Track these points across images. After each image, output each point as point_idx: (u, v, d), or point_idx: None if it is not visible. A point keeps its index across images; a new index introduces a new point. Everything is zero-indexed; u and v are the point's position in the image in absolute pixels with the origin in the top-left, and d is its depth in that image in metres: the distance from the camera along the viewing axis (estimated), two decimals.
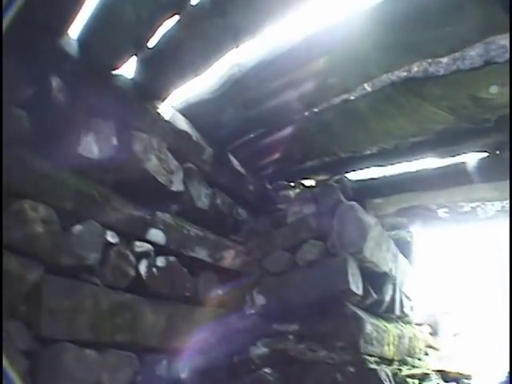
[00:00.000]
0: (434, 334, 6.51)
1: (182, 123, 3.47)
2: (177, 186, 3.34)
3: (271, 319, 3.70)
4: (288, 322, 3.61)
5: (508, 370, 2.74)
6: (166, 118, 3.31)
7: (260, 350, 3.65)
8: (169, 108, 3.38)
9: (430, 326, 6.40)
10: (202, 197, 3.68)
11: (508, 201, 4.46)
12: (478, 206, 4.71)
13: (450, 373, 4.45)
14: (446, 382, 4.18)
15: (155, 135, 3.22)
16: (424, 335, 5.66)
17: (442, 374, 4.39)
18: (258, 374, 3.60)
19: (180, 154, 3.45)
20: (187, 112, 3.49)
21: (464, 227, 5.19)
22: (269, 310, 3.72)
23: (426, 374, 4.14)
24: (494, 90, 3.03)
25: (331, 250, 3.62)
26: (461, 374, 4.48)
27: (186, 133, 3.47)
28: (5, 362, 1.67)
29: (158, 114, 3.24)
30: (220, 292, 3.80)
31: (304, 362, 3.43)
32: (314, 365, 3.38)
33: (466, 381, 4.35)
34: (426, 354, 5.50)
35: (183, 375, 3.42)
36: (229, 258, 3.87)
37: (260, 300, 3.80)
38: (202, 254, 3.61)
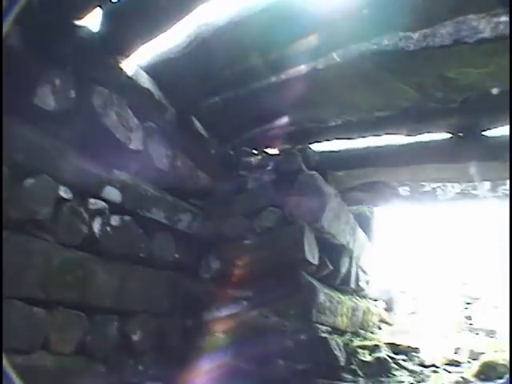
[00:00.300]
0: (388, 309, 6.73)
1: (145, 81, 3.40)
2: (136, 144, 3.30)
3: (226, 284, 3.73)
4: (242, 288, 3.66)
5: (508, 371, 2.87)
6: (129, 74, 3.24)
7: (213, 314, 3.69)
8: (132, 65, 3.30)
9: (385, 301, 6.60)
10: (162, 158, 3.65)
11: (468, 183, 4.61)
12: (438, 186, 4.84)
13: (399, 346, 4.62)
14: (395, 353, 4.33)
15: (116, 91, 3.15)
16: (378, 310, 5.84)
17: (392, 346, 4.55)
18: (211, 339, 3.65)
19: (141, 113, 3.40)
20: (151, 70, 3.42)
21: (424, 207, 5.33)
22: (224, 276, 3.75)
23: (377, 345, 4.28)
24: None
25: (289, 219, 3.67)
26: (410, 347, 4.66)
27: (149, 91, 3.41)
28: (5, 362, 1.64)
29: (121, 69, 3.16)
30: (176, 255, 3.80)
31: (257, 328, 3.49)
32: (267, 331, 3.45)
33: (414, 354, 4.52)
34: (380, 328, 5.69)
35: (135, 337, 3.44)
36: (186, 221, 3.87)
37: (215, 265, 3.83)
38: (159, 215, 3.60)
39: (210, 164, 4.16)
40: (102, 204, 3.12)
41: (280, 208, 3.74)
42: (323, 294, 3.61)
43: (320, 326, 3.55)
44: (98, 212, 3.10)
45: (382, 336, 5.13)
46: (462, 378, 3.70)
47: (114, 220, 3.23)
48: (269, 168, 4.00)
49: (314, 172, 3.80)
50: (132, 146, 3.26)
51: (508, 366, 3.84)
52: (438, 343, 7.47)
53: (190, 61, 3.27)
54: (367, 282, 5.22)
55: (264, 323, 3.49)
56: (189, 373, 3.53)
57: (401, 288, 9.48)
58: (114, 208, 3.22)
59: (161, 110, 3.58)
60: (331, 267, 3.95)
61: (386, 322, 6.17)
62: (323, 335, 3.46)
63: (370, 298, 5.53)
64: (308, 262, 3.53)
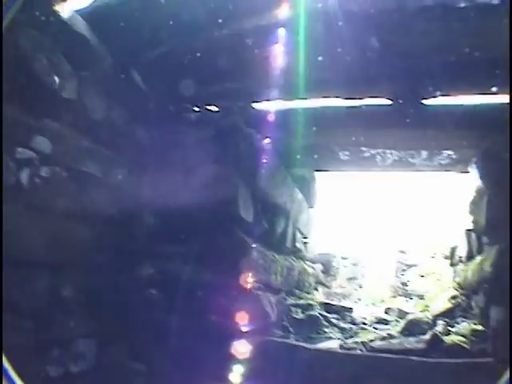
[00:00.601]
0: (326, 272, 6.97)
1: (82, 27, 3.27)
2: (69, 93, 3.20)
3: (159, 240, 3.74)
4: (176, 243, 3.68)
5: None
6: (64, 18, 3.10)
7: (147, 270, 3.71)
8: (68, 9, 3.16)
9: (322, 264, 6.82)
10: (98, 109, 3.56)
11: (406, 151, 4.76)
12: (377, 153, 4.97)
13: (333, 305, 4.83)
14: (328, 312, 4.52)
15: (48, 35, 3.02)
16: (315, 272, 6.04)
17: (326, 306, 4.75)
18: (145, 295, 3.68)
19: (76, 60, 3.28)
20: (89, 16, 3.29)
21: (364, 173, 5.49)
22: (158, 232, 3.76)
23: (310, 304, 4.47)
24: None
25: (225, 176, 3.69)
26: (343, 307, 4.88)
27: (85, 38, 3.29)
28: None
29: (55, 12, 3.02)
30: (109, 210, 3.76)
31: (189, 283, 3.54)
32: (200, 287, 3.51)
33: (347, 313, 4.73)
34: (316, 290, 5.90)
35: (65, 292, 3.41)
36: (121, 175, 3.82)
37: (150, 220, 3.82)
38: (92, 168, 3.53)
39: (148, 118, 4.10)
40: (31, 154, 3.02)
41: (217, 165, 3.76)
42: (256, 252, 3.70)
43: (252, 283, 3.64)
44: (27, 162, 3.00)
45: (318, 296, 5.34)
46: (388, 334, 3.92)
47: (44, 171, 3.13)
48: (207, 125, 3.98)
49: (252, 130, 3.82)
50: (65, 95, 3.16)
51: (431, 322, 4.11)
52: (371, 305, 7.84)
53: (128, 9, 3.18)
54: (304, 244, 5.37)
55: (197, 279, 3.55)
56: (121, 327, 3.56)
57: (340, 252, 9.81)
58: (44, 159, 3.12)
59: (98, 59, 3.47)
60: (266, 226, 4.03)
61: (323, 284, 6.39)
62: (255, 291, 3.55)
63: (307, 260, 5.69)
64: (242, 219, 3.59)
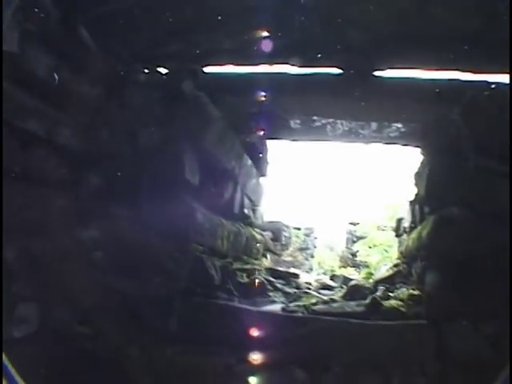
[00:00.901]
0: (275, 240, 7.07)
1: None
2: (10, 45, 3.05)
3: (105, 201, 3.69)
4: (122, 205, 3.65)
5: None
6: None
7: (92, 232, 3.67)
8: None
9: (272, 232, 6.91)
10: (43, 66, 3.41)
11: (356, 122, 4.83)
12: (328, 123, 5.02)
13: (279, 271, 4.93)
14: (274, 278, 4.61)
15: None
16: (264, 239, 6.12)
17: (273, 271, 4.84)
18: (90, 257, 3.64)
19: (18, 10, 3.12)
20: None
21: (315, 142, 5.55)
22: (104, 193, 3.71)
23: (256, 269, 4.54)
24: None
25: (172, 138, 3.67)
26: (289, 273, 4.99)
27: None
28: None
29: None
30: (54, 171, 3.67)
31: (134, 245, 3.54)
32: (144, 248, 3.51)
33: (293, 279, 4.84)
34: (265, 257, 6.00)
35: (9, 257, 3.33)
36: (67, 135, 3.72)
37: (96, 181, 3.76)
38: (36, 127, 3.41)
39: (96, 78, 3.98)
40: None
41: (164, 126, 3.72)
42: (202, 215, 3.72)
43: (197, 247, 3.67)
44: None
45: (265, 263, 5.44)
46: (331, 298, 4.05)
47: None
48: (156, 86, 3.91)
49: (200, 93, 3.80)
50: (5, 47, 3.01)
51: (372, 288, 4.27)
52: (322, 274, 8.06)
53: None
54: (254, 211, 5.43)
55: (143, 241, 3.54)
56: (66, 291, 3.53)
57: (291, 222, 9.98)
58: None
59: (42, 12, 3.31)
60: (213, 190, 4.05)
61: (272, 252, 6.50)
62: (198, 254, 3.58)
63: (256, 227, 5.76)
64: (188, 182, 3.59)
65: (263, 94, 4.18)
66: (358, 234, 11.09)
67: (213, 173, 4.00)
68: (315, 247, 16.11)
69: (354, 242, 11.13)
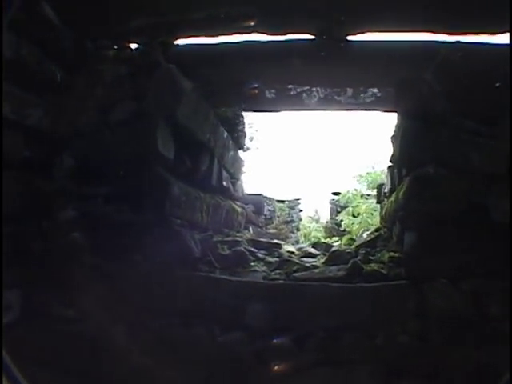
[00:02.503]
0: (257, 212, 7.10)
1: None
2: None
3: (81, 182, 3.68)
4: (98, 184, 3.63)
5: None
6: None
7: (69, 213, 3.65)
8: None
9: (254, 205, 6.93)
10: (4, 44, 3.34)
11: (332, 89, 4.82)
12: (303, 91, 4.99)
13: (261, 242, 4.95)
14: (256, 248, 4.63)
15: None
16: (246, 211, 6.14)
17: (254, 242, 4.86)
18: (68, 239, 3.63)
19: None
20: None
21: (291, 112, 5.53)
22: (78, 172, 3.68)
23: (237, 241, 4.56)
24: None
25: (145, 112, 3.64)
26: (271, 243, 5.01)
27: None
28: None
29: None
30: (26, 153, 3.63)
31: (113, 224, 3.53)
32: (122, 226, 3.51)
33: (275, 249, 4.86)
34: (247, 229, 6.03)
35: None
36: (37, 116, 3.67)
37: (69, 162, 3.73)
38: (3, 109, 3.35)
39: (62, 55, 3.91)
40: None
41: (136, 101, 3.69)
42: (178, 188, 3.71)
43: (175, 220, 3.68)
44: None
45: (247, 235, 5.45)
46: (313, 265, 4.09)
47: None
48: (127, 61, 3.86)
49: (171, 66, 3.76)
50: None
51: (353, 253, 4.32)
52: (301, 242, 8.12)
53: None
54: (233, 184, 5.43)
55: (120, 219, 3.54)
56: (48, 274, 3.52)
57: (274, 194, 10.00)
58: None
59: None
60: (189, 163, 4.04)
61: (254, 224, 6.53)
62: (178, 229, 3.59)
63: (237, 200, 5.77)
64: (162, 156, 3.57)
65: (236, 64, 4.15)
66: (341, 203, 11.16)
67: (188, 146, 3.98)
68: (300, 220, 16.23)
69: (339, 212, 11.19)
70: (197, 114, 4.03)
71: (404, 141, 3.87)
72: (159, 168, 3.61)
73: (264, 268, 4.04)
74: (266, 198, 8.52)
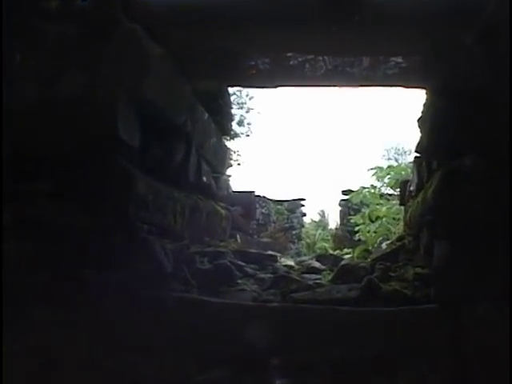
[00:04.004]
0: (247, 216, 7.07)
1: None
2: None
3: (17, 176, 3.61)
4: (40, 178, 3.57)
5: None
6: None
7: (4, 215, 3.59)
8: None
9: (243, 207, 6.91)
10: None
11: (343, 58, 4.78)
12: (306, 60, 4.94)
13: (252, 253, 4.93)
14: (245, 262, 4.61)
15: None
16: (233, 215, 6.11)
17: (243, 254, 4.84)
18: (7, 246, 3.57)
19: None
20: None
21: (289, 87, 5.50)
22: (12, 166, 3.61)
23: (221, 252, 4.54)
24: None
25: (99, 85, 3.58)
26: (264, 254, 5.00)
27: None
28: None
29: None
30: None
31: (57, 230, 3.49)
32: (70, 233, 3.46)
33: (269, 262, 4.85)
34: (233, 238, 6.01)
35: None
36: None
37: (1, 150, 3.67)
38: None
39: None
40: None
41: (89, 71, 3.62)
42: (144, 185, 3.65)
43: (140, 225, 3.64)
44: None
45: (234, 245, 5.43)
46: (316, 283, 4.07)
47: None
48: (76, 18, 3.80)
49: (136, 25, 3.70)
50: None
51: (369, 268, 4.30)
52: (303, 254, 8.10)
53: None
54: (216, 179, 5.40)
55: (67, 223, 3.49)
56: None
57: (269, 193, 9.98)
58: None
59: None
60: (159, 152, 4.00)
61: (242, 231, 6.51)
62: (144, 236, 3.55)
63: (221, 200, 5.75)
64: (124, 142, 3.52)
65: (220, 24, 4.10)
66: (354, 205, 11.18)
67: (158, 130, 3.93)
68: (302, 226, 16.22)
69: (351, 215, 11.23)
70: (169, 89, 3.98)
71: (434, 125, 3.86)
72: (120, 158, 3.55)
73: (254, 287, 4.02)
74: (259, 197, 8.51)
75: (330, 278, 4.28)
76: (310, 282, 4.07)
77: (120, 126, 3.48)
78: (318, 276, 4.50)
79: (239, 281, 4.11)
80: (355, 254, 6.22)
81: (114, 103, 3.50)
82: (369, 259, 4.80)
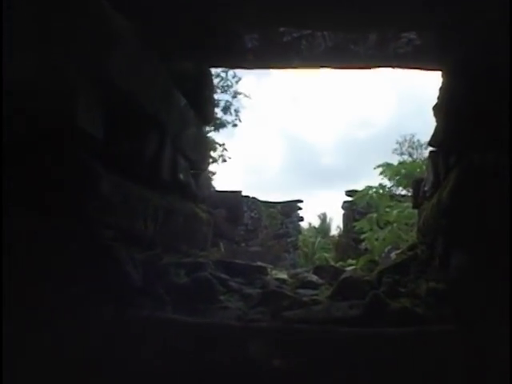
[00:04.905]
0: (233, 220, 7.08)
1: None
2: None
3: None
4: None
5: None
6: None
7: None
8: None
9: (228, 209, 6.91)
10: None
11: (345, 34, 4.79)
12: (302, 36, 4.93)
13: (238, 264, 4.94)
14: (229, 275, 4.62)
15: None
16: (216, 219, 6.12)
17: (227, 265, 4.84)
18: None
19: None
20: None
21: (285, 69, 5.50)
22: None
23: (201, 263, 4.53)
24: None
25: (55, 65, 3.54)
26: (252, 266, 5.01)
27: None
28: None
29: None
30: None
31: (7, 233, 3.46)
32: (23, 239, 3.43)
33: (258, 275, 4.86)
34: (216, 246, 6.01)
35: None
36: None
37: None
38: None
39: None
40: None
41: (42, 49, 3.58)
42: (109, 183, 3.64)
43: (104, 231, 3.63)
44: None
45: (216, 255, 5.44)
46: (313, 299, 4.07)
47: None
48: None
49: None
50: None
51: (374, 281, 4.31)
52: (300, 265, 8.09)
53: None
54: (195, 177, 5.39)
55: (11, 225, 3.45)
56: None
57: (259, 193, 9.98)
58: None
59: None
60: (127, 145, 3.99)
61: (227, 238, 6.51)
62: (108, 243, 3.54)
63: (201, 201, 5.74)
64: (85, 133, 3.49)
65: None
66: (360, 208, 11.19)
67: (126, 119, 3.91)
68: (299, 233, 16.19)
69: (356, 220, 11.23)
70: (139, 69, 3.96)
71: (452, 112, 3.86)
72: (79, 151, 3.53)
73: (240, 304, 4.02)
74: (247, 198, 8.47)
75: (328, 293, 4.28)
76: (306, 299, 4.07)
77: (80, 114, 3.44)
78: (315, 291, 4.51)
79: (222, 297, 4.11)
80: (359, 266, 6.23)
81: (72, 87, 3.45)
82: (375, 271, 4.80)
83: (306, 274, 5.24)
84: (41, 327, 3.33)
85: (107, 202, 3.67)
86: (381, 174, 10.29)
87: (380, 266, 5.07)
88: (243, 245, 7.69)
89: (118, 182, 3.83)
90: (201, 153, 5.63)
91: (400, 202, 9.90)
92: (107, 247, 3.58)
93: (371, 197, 10.49)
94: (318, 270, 5.45)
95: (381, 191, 10.53)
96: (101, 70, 3.59)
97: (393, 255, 5.09)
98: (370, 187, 10.63)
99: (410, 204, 7.34)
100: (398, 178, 10.14)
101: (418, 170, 9.40)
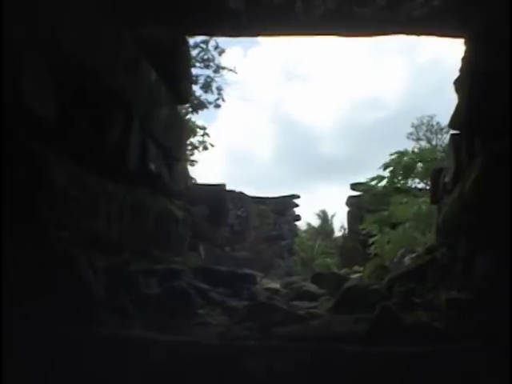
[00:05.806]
0: (215, 220, 7.07)
1: None
2: None
3: None
4: None
5: None
6: None
7: None
8: None
9: (209, 206, 6.90)
10: None
11: None
12: None
13: (219, 272, 4.95)
14: (210, 284, 4.63)
15: None
16: (194, 218, 6.10)
17: (207, 273, 4.85)
18: None
19: None
20: None
21: (276, 36, 5.49)
22: None
23: (176, 270, 4.53)
24: None
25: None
26: (238, 274, 5.02)
27: None
28: None
29: None
30: None
31: None
32: None
33: (245, 284, 4.88)
34: (195, 250, 6.01)
35: None
36: None
37: None
38: None
39: None
40: None
41: None
42: (63, 174, 3.61)
43: (58, 232, 3.60)
44: None
45: (195, 260, 5.44)
46: (309, 313, 4.07)
47: None
48: None
49: None
50: None
51: (385, 291, 4.31)
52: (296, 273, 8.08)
53: None
54: (169, 167, 5.37)
55: None
56: None
57: (247, 188, 9.96)
58: None
59: None
60: (86, 129, 3.96)
61: (208, 240, 6.51)
62: (63, 248, 3.52)
63: (176, 196, 5.73)
64: (32, 112, 3.45)
65: None
66: (367, 204, 11.19)
67: (83, 97, 3.87)
68: (296, 235, 16.14)
69: (363, 218, 11.25)
70: (98, 37, 3.92)
71: (476, 87, 3.85)
72: (26, 135, 3.49)
73: (222, 319, 4.02)
74: (233, 193, 8.42)
75: (329, 305, 4.28)
76: (302, 312, 4.07)
77: (27, 90, 3.38)
78: (313, 303, 4.52)
79: (201, 311, 4.11)
80: (366, 273, 6.24)
81: (17, 57, 3.40)
82: (385, 279, 4.81)
83: (302, 283, 5.25)
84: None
85: (61, 197, 3.63)
86: (391, 164, 10.28)
87: (391, 272, 5.06)
88: (228, 249, 7.69)
89: (74, 173, 3.79)
90: (176, 138, 5.60)
91: (416, 196, 9.88)
92: (62, 252, 3.54)
93: (381, 191, 10.48)
94: (316, 278, 5.45)
95: (392, 183, 10.52)
96: (51, 35, 3.54)
97: (407, 260, 5.09)
98: (381, 179, 10.61)
99: (428, 199, 7.34)
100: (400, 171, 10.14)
101: (438, 158, 9.38)
